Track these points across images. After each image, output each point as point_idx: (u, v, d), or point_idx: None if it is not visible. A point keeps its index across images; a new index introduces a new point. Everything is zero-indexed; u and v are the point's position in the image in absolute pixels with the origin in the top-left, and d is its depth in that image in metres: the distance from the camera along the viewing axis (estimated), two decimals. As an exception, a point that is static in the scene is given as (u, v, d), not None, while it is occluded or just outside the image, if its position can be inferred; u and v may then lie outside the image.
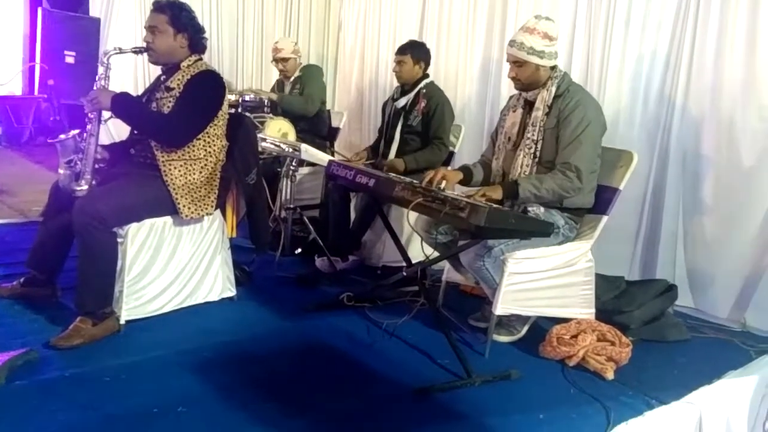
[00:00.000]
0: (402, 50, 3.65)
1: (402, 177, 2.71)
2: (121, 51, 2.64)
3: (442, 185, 2.55)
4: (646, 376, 2.44)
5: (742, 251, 2.98)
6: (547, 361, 2.53)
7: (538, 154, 2.63)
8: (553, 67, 2.65)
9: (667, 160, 3.25)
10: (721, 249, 3.06)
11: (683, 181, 3.23)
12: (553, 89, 2.62)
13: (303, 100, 4.27)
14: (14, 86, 6.50)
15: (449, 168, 3.63)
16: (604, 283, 2.91)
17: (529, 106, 2.72)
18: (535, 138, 2.63)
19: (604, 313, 2.76)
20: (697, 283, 3.19)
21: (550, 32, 2.58)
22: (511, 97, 2.91)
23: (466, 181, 2.79)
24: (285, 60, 4.40)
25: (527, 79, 2.63)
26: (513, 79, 2.67)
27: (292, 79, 4.45)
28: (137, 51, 2.69)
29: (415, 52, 3.62)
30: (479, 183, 2.83)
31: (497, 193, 2.49)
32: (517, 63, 2.62)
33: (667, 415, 1.81)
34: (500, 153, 2.80)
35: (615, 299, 2.90)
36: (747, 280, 2.99)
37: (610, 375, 2.39)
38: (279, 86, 4.60)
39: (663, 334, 2.81)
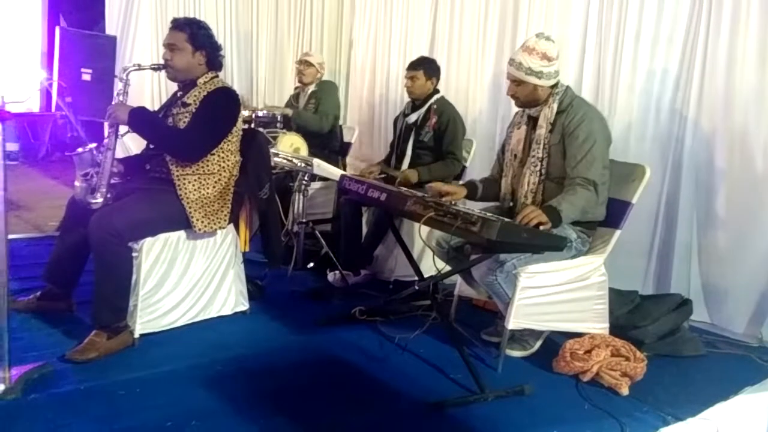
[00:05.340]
0: (414, 66, 3.69)
1: (413, 191, 2.72)
2: (140, 67, 2.70)
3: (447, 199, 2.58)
4: (662, 392, 2.42)
5: (758, 264, 2.95)
6: (561, 377, 2.51)
7: (544, 171, 2.63)
8: (554, 85, 2.65)
9: (680, 173, 3.24)
10: (736, 262, 3.03)
11: (696, 195, 3.21)
12: (555, 106, 2.63)
13: (318, 118, 4.33)
14: (31, 103, 6.60)
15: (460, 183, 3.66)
16: (617, 297, 2.89)
17: (533, 122, 2.73)
18: (540, 155, 2.63)
19: (618, 328, 2.74)
20: (712, 297, 3.16)
21: (549, 53, 2.58)
22: (515, 114, 2.92)
23: (470, 197, 2.83)
24: (308, 65, 4.46)
25: (525, 97, 2.66)
26: (512, 96, 2.71)
27: (309, 92, 4.49)
28: (156, 68, 2.75)
29: (427, 67, 3.66)
30: (483, 198, 2.87)
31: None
32: (515, 82, 2.65)
33: (684, 432, 1.80)
34: (508, 170, 2.81)
35: (629, 314, 2.88)
36: (763, 294, 2.95)
37: (625, 391, 2.37)
38: (295, 98, 4.65)
39: (678, 350, 2.78)
